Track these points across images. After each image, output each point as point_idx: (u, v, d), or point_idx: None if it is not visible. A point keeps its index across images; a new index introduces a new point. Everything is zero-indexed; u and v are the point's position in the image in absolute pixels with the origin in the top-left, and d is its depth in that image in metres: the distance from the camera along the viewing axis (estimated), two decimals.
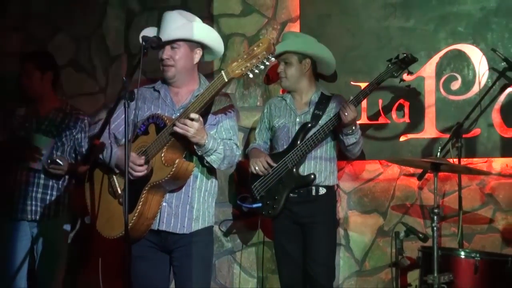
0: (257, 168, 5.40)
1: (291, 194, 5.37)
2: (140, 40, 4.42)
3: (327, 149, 5.44)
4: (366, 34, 5.90)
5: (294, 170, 5.35)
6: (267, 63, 4.23)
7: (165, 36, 4.55)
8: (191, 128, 4.34)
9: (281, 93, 5.83)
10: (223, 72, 4.30)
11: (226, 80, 4.29)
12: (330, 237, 5.46)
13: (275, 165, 5.37)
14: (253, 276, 6.08)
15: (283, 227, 5.42)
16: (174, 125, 4.38)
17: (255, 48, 4.21)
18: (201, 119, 4.37)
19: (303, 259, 5.38)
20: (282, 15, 6.14)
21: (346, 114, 5.18)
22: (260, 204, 5.41)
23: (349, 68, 5.88)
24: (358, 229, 5.91)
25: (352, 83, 5.87)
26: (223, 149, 4.51)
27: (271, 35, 6.11)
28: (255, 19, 6.19)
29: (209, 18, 6.17)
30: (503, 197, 5.68)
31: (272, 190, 5.38)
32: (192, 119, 4.33)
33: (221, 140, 4.54)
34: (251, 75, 4.27)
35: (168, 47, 4.60)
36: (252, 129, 6.02)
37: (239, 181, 5.99)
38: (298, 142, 5.35)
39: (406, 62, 5.30)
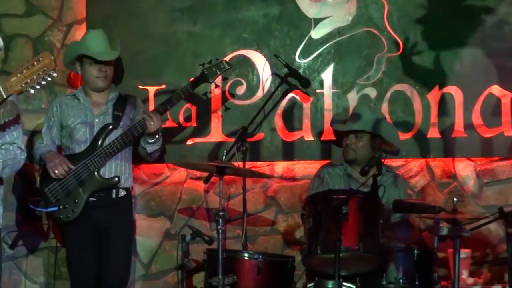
0: (57, 172, 5.23)
1: (91, 198, 5.26)
2: None
3: (126, 150, 5.38)
4: (153, 37, 5.91)
5: (96, 173, 5.25)
6: (49, 79, 4.12)
7: None
8: None
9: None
10: (1, 88, 4.14)
11: (5, 96, 4.13)
12: (128, 242, 5.42)
13: (74, 167, 5.24)
14: (37, 282, 5.91)
15: (75, 233, 5.30)
16: None
17: (35, 63, 4.07)
18: None
19: (97, 264, 5.29)
20: (68, 17, 6.01)
21: (152, 123, 5.16)
22: (56, 208, 5.25)
23: (136, 72, 5.86)
24: (144, 232, 5.90)
25: (139, 86, 5.85)
26: (1, 160, 4.36)
27: (57, 36, 5.97)
28: (39, 19, 6.02)
29: None
30: (285, 200, 5.88)
31: (72, 193, 5.25)
32: None
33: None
34: (32, 91, 4.13)
35: None
36: (36, 132, 5.84)
37: (24, 185, 5.80)
38: (99, 143, 5.26)
39: (221, 68, 5.35)
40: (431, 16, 5.76)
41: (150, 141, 5.28)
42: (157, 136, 5.28)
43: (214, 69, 5.36)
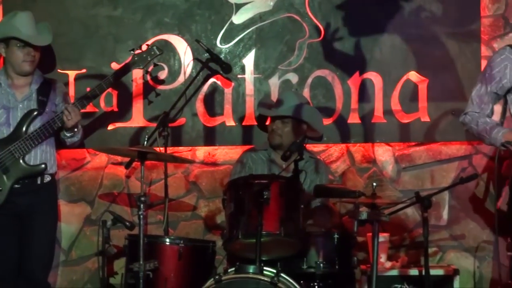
0: None
1: (15, 185, 5.15)
2: None
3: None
4: (73, 21, 5.82)
5: (21, 160, 5.14)
6: None
7: None
8: None
9: None
10: None
11: None
12: (52, 228, 5.34)
13: None
14: None
15: None
16: None
17: None
18: None
19: (19, 252, 5.20)
20: None
21: (69, 119, 5.08)
22: None
23: (56, 56, 5.76)
24: (65, 218, 5.83)
25: (59, 71, 5.77)
26: None
27: None
28: None
29: None
30: (206, 185, 5.88)
31: None
32: None
33: None
34: None
35: None
36: None
37: None
38: (23, 130, 5.14)
39: (152, 54, 5.29)
40: (351, 2, 5.82)
41: (68, 135, 5.22)
42: (75, 130, 5.21)
43: (145, 56, 5.31)
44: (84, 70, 5.79)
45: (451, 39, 5.80)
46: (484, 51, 5.79)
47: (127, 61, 5.38)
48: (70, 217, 5.86)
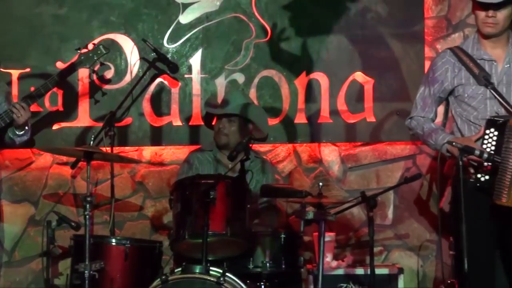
0: None
1: None
2: None
3: None
4: (17, 20, 5.75)
5: None
6: None
7: None
8: None
9: None
10: None
11: None
12: None
13: None
14: None
15: None
16: None
17: None
18: None
19: None
20: None
21: (19, 116, 5.01)
22: None
23: None
24: (8, 219, 5.76)
25: (2, 70, 5.71)
26: None
27: None
28: None
29: None
30: (152, 185, 5.87)
31: None
32: None
33: None
34: None
35: None
36: None
37: None
38: None
39: (98, 53, 5.24)
40: (298, 2, 5.85)
41: (19, 133, 5.14)
42: (26, 128, 5.15)
43: (91, 55, 5.27)
44: (28, 69, 5.73)
45: (395, 40, 5.86)
46: (428, 52, 5.86)
47: (72, 60, 5.33)
48: (13, 217, 5.79)
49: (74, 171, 5.70)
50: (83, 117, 5.76)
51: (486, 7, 4.18)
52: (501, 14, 4.18)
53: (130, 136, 5.79)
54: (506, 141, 4.03)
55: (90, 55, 5.27)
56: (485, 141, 4.11)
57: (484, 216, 4.15)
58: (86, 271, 4.67)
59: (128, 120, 5.77)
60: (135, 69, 5.81)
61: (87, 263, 4.70)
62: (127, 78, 5.81)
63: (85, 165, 4.87)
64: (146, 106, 5.80)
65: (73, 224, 5.05)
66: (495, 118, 4.13)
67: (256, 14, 5.84)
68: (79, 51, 5.28)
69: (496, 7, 4.16)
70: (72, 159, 5.43)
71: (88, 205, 4.80)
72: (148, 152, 5.86)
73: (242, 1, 5.84)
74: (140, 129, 5.79)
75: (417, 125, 4.42)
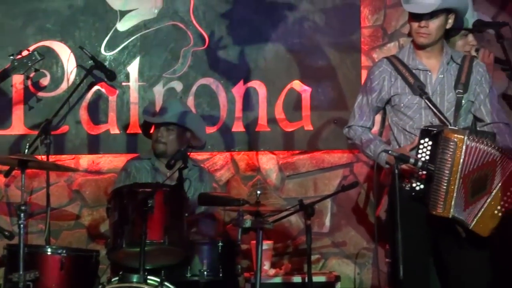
0: None
1: None
2: None
3: None
4: None
5: None
6: None
7: None
8: None
9: None
10: None
11: None
12: None
13: None
14: None
15: None
16: None
17: None
18: None
19: None
20: None
21: None
22: None
23: None
24: None
25: None
26: None
27: None
28: None
29: None
30: (89, 193, 5.82)
31: None
32: None
33: None
34: None
35: None
36: None
37: None
38: None
39: (33, 60, 5.15)
40: (236, 11, 5.87)
41: None
42: None
43: (25, 61, 5.18)
44: None
45: (333, 49, 5.92)
46: (364, 61, 5.93)
47: (6, 66, 5.25)
48: None
49: (7, 179, 5.62)
50: (17, 125, 5.69)
51: (419, 17, 4.24)
52: (434, 24, 4.24)
53: (67, 144, 5.73)
54: (441, 152, 4.08)
55: (24, 61, 5.19)
56: (420, 151, 4.16)
57: (419, 224, 4.20)
58: (20, 281, 4.60)
59: (64, 128, 5.71)
60: (72, 77, 5.76)
61: (21, 273, 4.62)
62: (64, 86, 5.76)
63: (20, 173, 4.79)
64: (83, 114, 5.75)
65: (6, 233, 4.96)
66: (429, 128, 4.17)
67: (194, 22, 5.84)
68: (12, 57, 5.20)
69: (429, 17, 4.22)
70: (6, 167, 5.36)
71: (22, 214, 4.71)
72: (85, 160, 5.81)
73: (180, 9, 5.83)
74: (77, 137, 5.74)
75: (355, 135, 4.45)
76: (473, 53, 4.58)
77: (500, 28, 4.38)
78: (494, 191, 4.11)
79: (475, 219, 4.11)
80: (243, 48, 5.88)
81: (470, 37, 4.66)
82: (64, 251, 4.93)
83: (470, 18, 4.57)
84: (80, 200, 5.82)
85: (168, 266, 4.82)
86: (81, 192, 5.82)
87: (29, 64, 5.18)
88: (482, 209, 4.11)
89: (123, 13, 5.80)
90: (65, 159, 5.77)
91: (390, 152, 4.10)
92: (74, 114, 5.72)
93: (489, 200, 4.11)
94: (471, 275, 4.20)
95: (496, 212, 4.11)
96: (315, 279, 4.96)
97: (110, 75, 5.66)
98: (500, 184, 4.10)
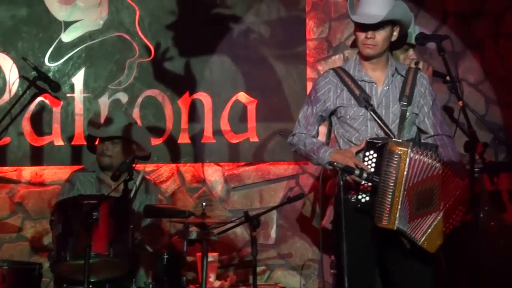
0: None
1: None
2: None
3: None
4: None
5: None
6: None
7: None
8: None
9: None
10: None
11: None
12: None
13: None
14: None
15: None
16: None
17: None
18: None
19: None
20: None
21: None
22: None
23: None
24: None
25: None
26: None
27: None
28: None
29: None
30: (32, 205, 5.75)
31: None
32: None
33: None
34: None
35: None
36: None
37: None
38: None
39: None
40: (181, 22, 5.87)
41: None
42: None
43: None
44: None
45: (278, 61, 5.95)
46: (310, 73, 5.98)
47: None
48: None
49: None
50: None
51: (365, 28, 4.28)
52: (380, 36, 4.28)
53: (9, 155, 5.67)
54: (386, 164, 4.11)
55: None
56: (365, 163, 4.19)
57: (364, 235, 4.23)
58: None
59: (6, 139, 5.63)
60: (14, 88, 5.70)
61: None
62: (6, 97, 5.70)
63: None
64: (26, 125, 5.68)
65: None
66: (374, 141, 4.21)
67: (140, 33, 5.82)
68: None
69: (375, 28, 4.26)
70: None
71: None
72: (28, 172, 5.74)
73: (126, 20, 5.81)
74: (19, 149, 5.67)
75: (298, 140, 4.46)
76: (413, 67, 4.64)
77: (441, 41, 4.43)
78: (443, 209, 4.14)
79: (425, 236, 4.14)
80: (188, 59, 5.87)
81: (411, 51, 4.74)
82: (5, 264, 4.86)
83: (413, 32, 4.64)
84: (22, 213, 5.75)
85: (113, 279, 4.78)
86: (24, 205, 5.75)
87: None
88: (432, 226, 4.13)
89: (67, 24, 5.75)
90: (7, 171, 5.70)
91: (335, 164, 4.11)
92: (17, 126, 5.65)
93: (439, 217, 4.14)
94: (413, 285, 4.25)
95: (444, 229, 4.14)
96: None
97: (54, 86, 5.55)
98: (451, 202, 4.13)
